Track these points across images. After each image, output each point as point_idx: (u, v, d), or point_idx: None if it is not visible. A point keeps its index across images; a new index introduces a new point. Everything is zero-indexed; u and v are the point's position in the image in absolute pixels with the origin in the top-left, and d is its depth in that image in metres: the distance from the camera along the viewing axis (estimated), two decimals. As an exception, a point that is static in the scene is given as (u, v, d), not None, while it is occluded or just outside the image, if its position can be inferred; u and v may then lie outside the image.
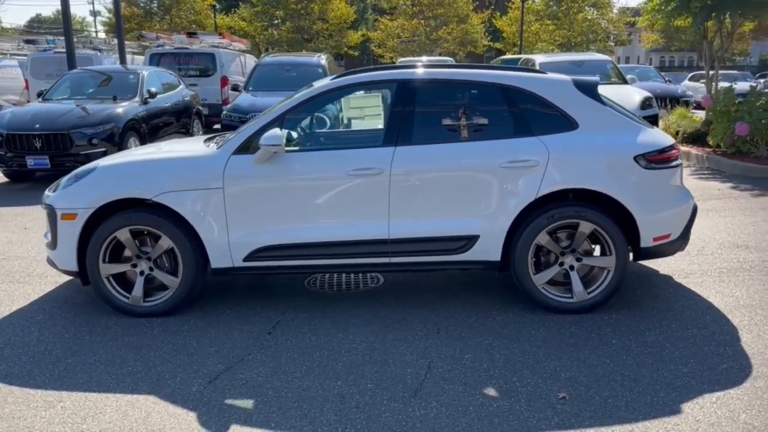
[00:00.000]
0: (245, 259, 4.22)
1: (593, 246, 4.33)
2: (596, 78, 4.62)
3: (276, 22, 37.54)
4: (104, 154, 8.98)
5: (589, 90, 4.25)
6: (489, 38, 38.29)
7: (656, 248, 4.19)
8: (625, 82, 11.81)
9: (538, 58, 12.00)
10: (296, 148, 4.19)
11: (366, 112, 5.18)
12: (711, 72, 11.89)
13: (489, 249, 4.15)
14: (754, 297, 4.40)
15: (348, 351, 3.72)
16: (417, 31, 36.25)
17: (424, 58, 18.83)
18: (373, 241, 4.16)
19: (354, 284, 4.84)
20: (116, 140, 9.19)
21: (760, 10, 10.37)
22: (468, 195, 4.12)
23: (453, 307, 4.34)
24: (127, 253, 4.31)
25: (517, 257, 4.13)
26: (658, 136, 4.28)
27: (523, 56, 13.10)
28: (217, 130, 15.76)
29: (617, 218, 4.12)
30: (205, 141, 4.79)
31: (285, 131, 4.23)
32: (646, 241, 4.13)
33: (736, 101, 9.41)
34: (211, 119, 13.88)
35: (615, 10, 38.94)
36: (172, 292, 4.25)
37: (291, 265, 4.26)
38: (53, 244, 4.31)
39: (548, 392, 3.18)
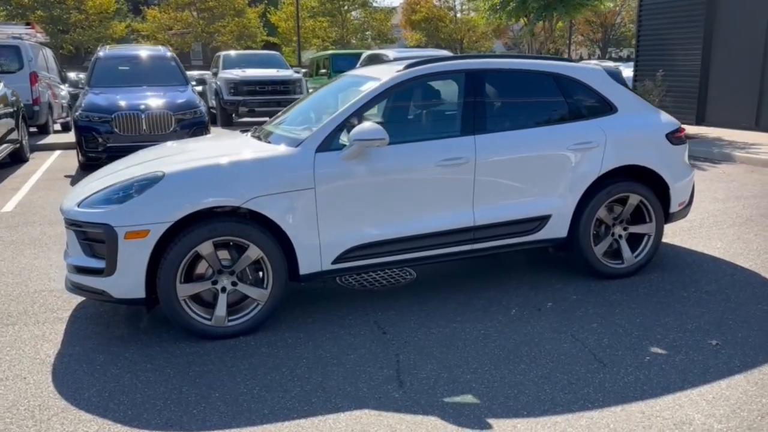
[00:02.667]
0: (334, 262, 4.02)
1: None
2: (619, 68, 5.16)
3: (20, 11, 33.14)
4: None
5: (616, 77, 4.77)
6: (266, 33, 38.07)
7: (679, 212, 4.87)
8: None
9: (391, 53, 12.49)
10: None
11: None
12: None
13: (558, 227, 4.47)
14: (734, 246, 5.33)
15: (484, 338, 3.77)
16: (191, 23, 34.68)
17: (233, 53, 18.10)
18: (460, 230, 4.24)
19: (392, 280, 4.79)
20: (-34, 149, 7.67)
21: (577, 11, 12.03)
22: (541, 177, 4.39)
23: (520, 287, 4.57)
24: (200, 269, 3.83)
25: (581, 232, 4.51)
26: (671, 117, 4.95)
27: (371, 51, 13.48)
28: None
29: (654, 189, 4.70)
30: (253, 136, 4.42)
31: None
32: (674, 207, 4.78)
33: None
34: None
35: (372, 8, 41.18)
36: (261, 305, 3.88)
37: (378, 263, 4.15)
38: (110, 270, 3.66)
39: (698, 342, 3.62)
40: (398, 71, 4.28)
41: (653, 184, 4.70)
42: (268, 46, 37.38)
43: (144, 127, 9.35)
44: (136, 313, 4.22)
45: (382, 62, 13.10)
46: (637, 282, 4.58)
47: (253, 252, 3.81)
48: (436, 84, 4.41)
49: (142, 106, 9.42)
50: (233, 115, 15.92)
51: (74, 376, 3.41)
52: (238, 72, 15.38)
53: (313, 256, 3.96)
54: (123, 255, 3.63)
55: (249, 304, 3.90)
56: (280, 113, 5.23)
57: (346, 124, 4.03)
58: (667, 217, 4.82)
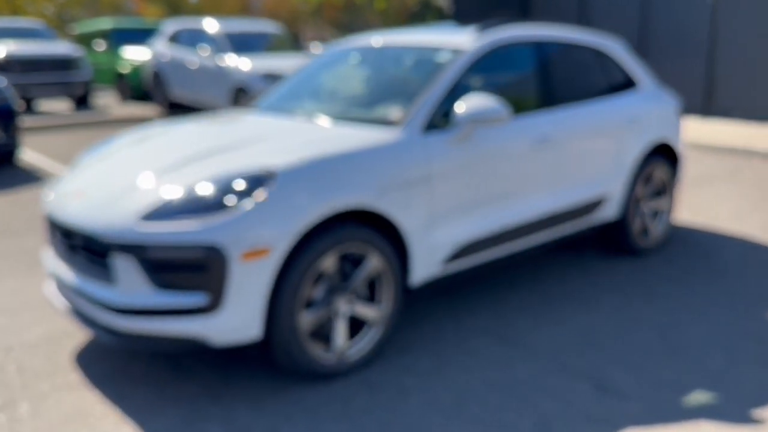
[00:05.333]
0: (444, 264, 3.42)
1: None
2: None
3: None
4: None
5: (628, 51, 4.78)
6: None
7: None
8: (299, 50, 12.09)
9: (218, 25, 11.23)
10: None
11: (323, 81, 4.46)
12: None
13: (612, 207, 4.35)
14: (701, 213, 5.75)
15: (630, 331, 3.51)
16: None
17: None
18: (549, 216, 3.91)
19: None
20: None
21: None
22: (605, 155, 4.23)
23: (570, 273, 4.37)
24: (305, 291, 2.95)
25: (629, 210, 4.46)
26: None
27: (182, 24, 11.89)
28: None
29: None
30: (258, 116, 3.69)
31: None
32: (679, 178, 4.98)
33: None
34: None
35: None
36: (378, 328, 3.13)
37: (478, 263, 3.62)
38: (214, 305, 2.63)
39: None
40: (477, 38, 3.74)
41: (668, 158, 4.82)
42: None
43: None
44: (170, 365, 3.14)
45: (195, 34, 11.76)
46: (665, 258, 4.65)
47: (374, 262, 3.04)
48: (512, 54, 3.94)
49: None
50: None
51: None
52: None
53: (427, 261, 3.31)
54: (236, 283, 2.62)
55: (361, 327, 3.12)
56: (269, 92, 4.31)
57: (443, 101, 3.42)
58: (672, 188, 5.00)
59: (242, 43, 11.17)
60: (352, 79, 4.04)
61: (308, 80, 4.25)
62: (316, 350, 2.90)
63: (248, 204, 2.66)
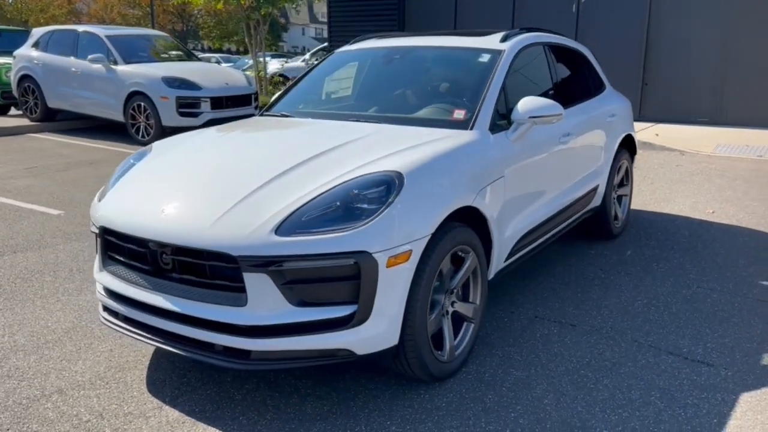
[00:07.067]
0: (506, 258, 3.53)
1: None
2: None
3: None
4: None
5: (594, 56, 5.20)
6: None
7: (629, 167, 5.57)
8: (192, 57, 11.42)
9: (101, 30, 10.33)
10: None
11: (342, 84, 4.48)
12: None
13: (598, 197, 4.72)
14: (636, 199, 6.34)
15: (667, 305, 3.84)
16: None
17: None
18: (565, 208, 4.15)
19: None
20: None
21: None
22: (597, 149, 4.57)
23: (586, 264, 4.67)
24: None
25: (609, 198, 4.85)
26: (616, 92, 5.61)
27: (78, 27, 10.68)
28: None
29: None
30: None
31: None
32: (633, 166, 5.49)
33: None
34: None
35: None
36: (473, 325, 3.16)
37: (523, 254, 3.77)
38: (363, 315, 2.52)
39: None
40: (506, 40, 3.88)
41: (628, 150, 5.30)
42: None
43: None
44: (266, 385, 2.96)
45: (71, 38, 10.63)
46: (634, 239, 5.11)
47: (473, 261, 3.07)
48: (533, 55, 4.11)
49: None
50: None
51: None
52: None
53: (500, 255, 3.40)
54: (382, 290, 2.53)
55: (460, 325, 3.14)
56: (290, 97, 4.11)
57: (496, 102, 3.52)
58: (627, 174, 5.50)
59: (128, 47, 10.39)
60: (391, 81, 3.99)
61: (330, 84, 4.13)
62: (437, 353, 2.87)
63: (388, 208, 2.56)
